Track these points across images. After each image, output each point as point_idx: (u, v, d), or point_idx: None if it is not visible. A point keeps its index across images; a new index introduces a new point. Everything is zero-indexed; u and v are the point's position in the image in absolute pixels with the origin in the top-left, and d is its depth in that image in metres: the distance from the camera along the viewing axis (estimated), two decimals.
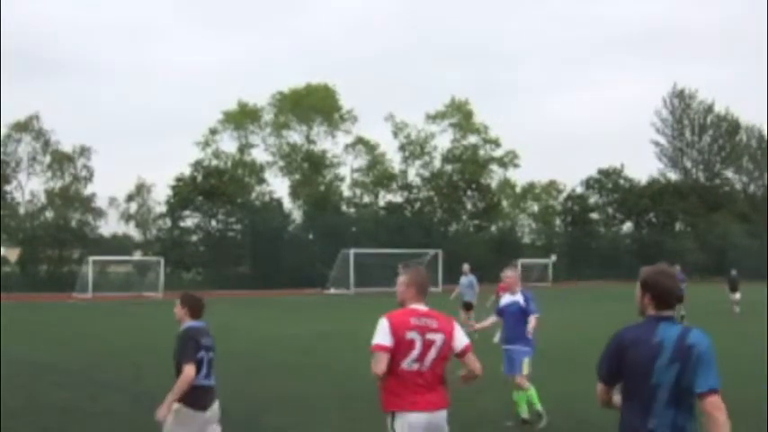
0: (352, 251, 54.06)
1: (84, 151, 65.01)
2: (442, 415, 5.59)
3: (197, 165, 65.95)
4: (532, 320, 10.63)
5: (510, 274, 11.12)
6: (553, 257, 69.02)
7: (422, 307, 5.61)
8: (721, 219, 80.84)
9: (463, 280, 24.89)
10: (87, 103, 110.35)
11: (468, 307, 24.17)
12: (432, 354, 5.46)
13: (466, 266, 25.14)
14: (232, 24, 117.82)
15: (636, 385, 4.32)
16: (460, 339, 5.65)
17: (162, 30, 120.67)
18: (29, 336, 22.23)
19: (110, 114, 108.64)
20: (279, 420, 11.10)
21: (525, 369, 10.61)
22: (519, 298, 10.83)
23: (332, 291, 52.89)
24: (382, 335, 5.44)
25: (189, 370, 6.88)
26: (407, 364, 5.41)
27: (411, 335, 5.42)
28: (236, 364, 17.01)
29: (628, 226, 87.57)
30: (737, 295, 33.32)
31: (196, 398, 6.94)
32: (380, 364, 5.40)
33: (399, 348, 5.41)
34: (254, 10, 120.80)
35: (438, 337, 5.49)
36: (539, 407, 10.63)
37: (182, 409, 6.92)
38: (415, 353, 5.42)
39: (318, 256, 59.19)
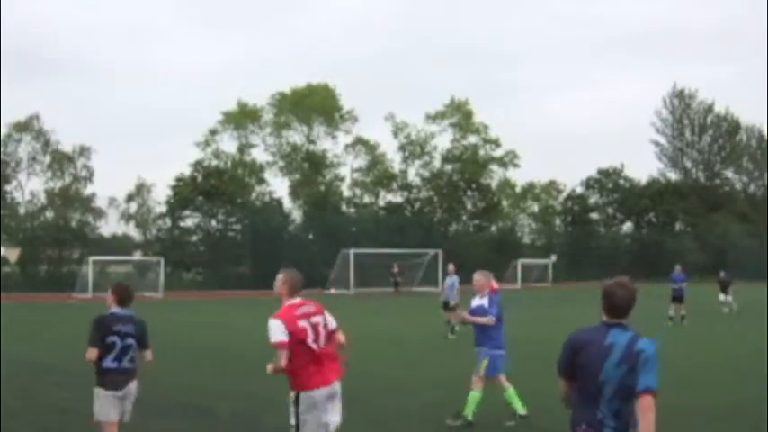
0: (351, 251, 54.05)
1: (83, 151, 65.01)
2: (338, 384, 6.79)
3: (197, 165, 65.98)
4: (484, 318, 10.77)
5: (477, 278, 11.20)
6: (553, 258, 69.01)
7: (296, 300, 6.75)
8: (721, 219, 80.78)
9: (447, 280, 25.11)
10: (87, 103, 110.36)
11: (445, 307, 24.29)
12: (322, 332, 6.69)
13: (451, 267, 25.44)
14: (232, 24, 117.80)
15: (586, 382, 4.88)
16: (331, 319, 6.88)
17: (162, 30, 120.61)
18: (29, 336, 22.24)
19: (110, 114, 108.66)
20: (279, 420, 11.07)
21: (482, 371, 10.71)
22: (485, 301, 10.97)
23: (332, 291, 52.84)
24: (279, 333, 6.48)
25: (89, 353, 7.71)
26: (310, 345, 6.54)
27: (302, 323, 6.57)
28: (237, 364, 17.03)
29: (628, 226, 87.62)
30: (728, 297, 33.11)
31: (108, 379, 7.86)
32: (283, 359, 6.52)
33: (299, 337, 6.51)
34: (254, 10, 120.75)
35: (320, 319, 6.75)
36: (516, 407, 10.84)
37: (97, 390, 7.97)
38: (311, 335, 6.57)
39: (318, 256, 59.15)
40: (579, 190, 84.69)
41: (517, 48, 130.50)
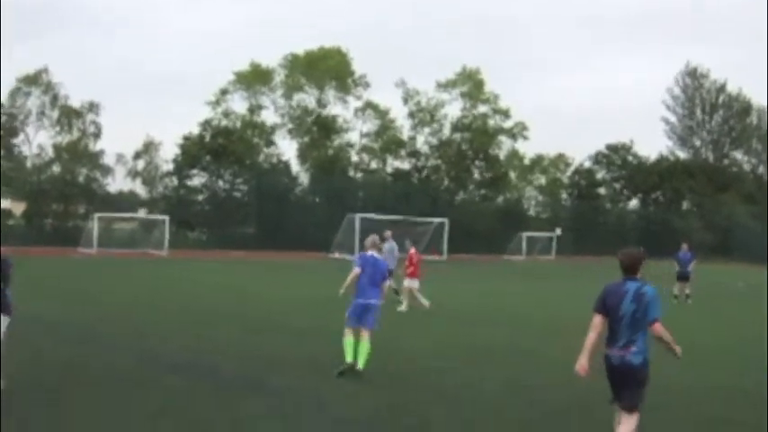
0: (357, 216, 53.97)
1: (92, 107, 64.73)
2: None
3: (206, 124, 65.77)
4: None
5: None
6: (558, 231, 68.97)
7: None
8: (728, 199, 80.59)
9: (385, 246, 24.38)
10: (98, 58, 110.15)
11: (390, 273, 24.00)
12: None
13: (388, 233, 24.78)
14: None
15: (613, 316, 7.34)
16: None
17: None
18: (32, 290, 22.21)
19: (121, 71, 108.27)
20: (282, 381, 11.11)
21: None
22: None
23: (336, 255, 52.85)
24: None
25: None
26: None
27: None
28: (240, 325, 17.05)
29: (634, 203, 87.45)
30: (684, 285, 28.40)
31: None
32: None
33: None
34: None
35: None
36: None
37: None
38: None
39: (324, 219, 59.13)
40: (587, 164, 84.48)
41: (531, 20, 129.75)
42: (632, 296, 7.24)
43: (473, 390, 11.02)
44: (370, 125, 74.52)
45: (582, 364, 7.33)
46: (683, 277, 28.28)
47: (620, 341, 7.24)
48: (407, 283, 21.89)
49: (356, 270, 12.04)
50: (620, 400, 7.32)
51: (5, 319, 9.60)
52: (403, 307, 21.31)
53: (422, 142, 75.35)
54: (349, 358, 11.67)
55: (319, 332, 16.13)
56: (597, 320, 7.41)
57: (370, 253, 12.42)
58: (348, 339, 11.86)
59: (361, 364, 11.59)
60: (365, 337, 11.83)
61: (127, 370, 11.58)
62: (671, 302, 25.89)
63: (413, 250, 22.74)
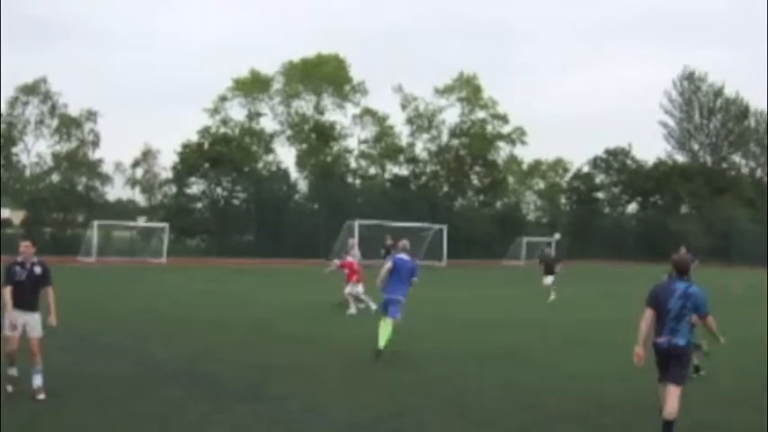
0: (356, 222, 53.96)
1: (90, 115, 64.84)
2: None
3: (204, 131, 65.80)
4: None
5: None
6: (557, 235, 68.94)
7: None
8: (727, 203, 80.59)
9: (351, 253, 26.01)
10: (97, 68, 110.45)
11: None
12: None
13: (351, 240, 27.06)
14: None
15: (661, 310, 8.72)
16: None
17: None
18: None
19: (119, 80, 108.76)
20: (281, 389, 11.13)
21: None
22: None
23: (335, 262, 52.82)
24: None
25: None
26: None
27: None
28: (240, 333, 17.07)
29: (633, 207, 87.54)
30: (550, 279, 28.28)
31: None
32: None
33: None
34: None
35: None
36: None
37: None
38: None
39: (323, 226, 59.14)
40: (586, 169, 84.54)
41: (528, 26, 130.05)
42: (681, 294, 8.73)
43: (472, 395, 11.05)
44: (368, 132, 74.66)
45: (637, 352, 8.67)
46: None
47: (666, 331, 8.62)
48: (350, 288, 22.73)
49: (389, 264, 14.39)
50: (669, 377, 8.62)
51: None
52: (352, 310, 22.08)
53: (420, 148, 75.46)
54: (381, 343, 13.73)
55: (318, 339, 16.15)
56: (648, 314, 8.90)
57: (400, 255, 14.60)
58: (381, 326, 13.96)
59: (381, 345, 13.68)
60: (389, 324, 13.94)
61: (126, 377, 11.62)
62: None
63: (350, 258, 24.23)
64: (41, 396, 9.95)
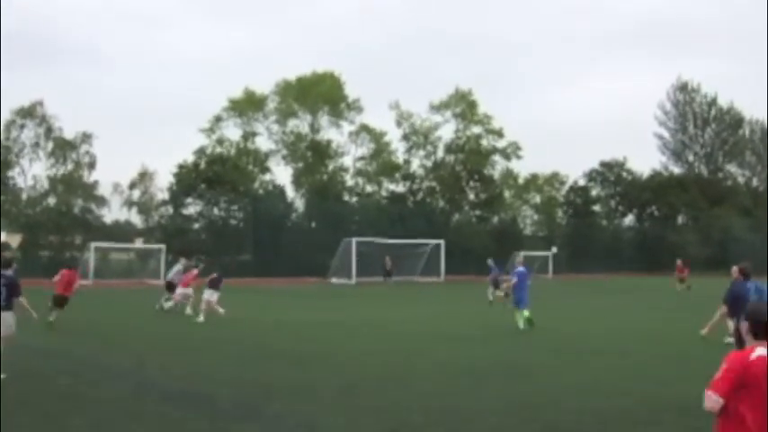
0: (354, 240, 54.00)
1: (86, 138, 64.90)
2: None
3: (200, 152, 65.86)
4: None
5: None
6: (554, 249, 68.98)
7: None
8: (723, 213, 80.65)
9: (175, 267, 29.25)
10: (91, 89, 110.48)
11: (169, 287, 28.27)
12: None
13: (181, 260, 29.78)
14: (238, 13, 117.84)
15: (738, 304, 12.33)
16: None
17: (168, 16, 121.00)
18: (30, 321, 22.23)
19: (114, 101, 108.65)
20: (279, 408, 11.13)
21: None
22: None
23: (333, 280, 52.86)
24: None
25: None
26: None
27: None
28: (237, 352, 17.06)
29: (630, 219, 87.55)
30: (499, 292, 29.16)
31: None
32: None
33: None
34: None
35: None
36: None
37: None
38: None
39: (320, 244, 59.13)
40: (581, 182, 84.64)
41: (522, 39, 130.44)
42: (753, 290, 13.18)
43: (472, 410, 11.04)
44: (364, 149, 74.77)
45: (706, 330, 14.82)
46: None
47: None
48: (207, 295, 24.59)
49: (514, 279, 22.10)
50: None
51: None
52: (200, 318, 23.84)
53: (416, 165, 75.55)
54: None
55: (316, 358, 16.14)
56: (724, 309, 13.85)
57: (521, 268, 22.36)
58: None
59: (521, 326, 21.56)
60: (525, 313, 21.81)
61: (124, 399, 11.61)
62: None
63: (195, 271, 27.07)
64: None
